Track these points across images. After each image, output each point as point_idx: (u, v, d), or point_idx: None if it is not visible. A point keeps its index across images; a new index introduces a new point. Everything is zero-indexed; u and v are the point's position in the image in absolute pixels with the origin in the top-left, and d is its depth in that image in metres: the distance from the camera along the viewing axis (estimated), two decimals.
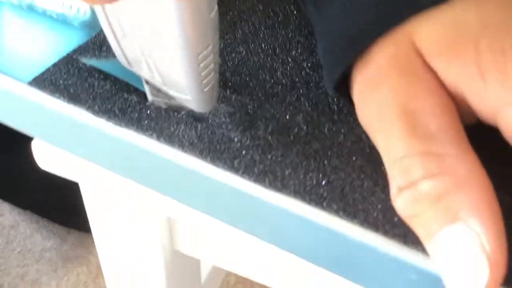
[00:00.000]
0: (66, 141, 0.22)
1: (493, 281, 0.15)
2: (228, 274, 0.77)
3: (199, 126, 0.20)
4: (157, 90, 0.21)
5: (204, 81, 0.18)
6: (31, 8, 0.25)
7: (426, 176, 0.16)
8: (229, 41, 0.24)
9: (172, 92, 0.20)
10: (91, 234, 0.88)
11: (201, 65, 0.18)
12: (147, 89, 0.21)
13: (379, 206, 0.18)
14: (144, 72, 0.20)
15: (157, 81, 0.19)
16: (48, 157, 0.24)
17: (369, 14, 0.18)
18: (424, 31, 0.17)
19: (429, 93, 0.17)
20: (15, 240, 0.82)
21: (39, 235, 0.83)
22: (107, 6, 0.17)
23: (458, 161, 0.16)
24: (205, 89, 0.19)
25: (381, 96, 0.18)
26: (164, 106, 0.21)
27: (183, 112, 0.21)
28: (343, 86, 0.20)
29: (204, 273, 0.50)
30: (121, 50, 0.19)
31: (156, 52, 0.18)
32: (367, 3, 0.18)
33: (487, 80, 0.16)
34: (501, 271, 0.15)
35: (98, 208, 0.28)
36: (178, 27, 0.16)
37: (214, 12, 0.17)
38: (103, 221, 0.29)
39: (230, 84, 0.22)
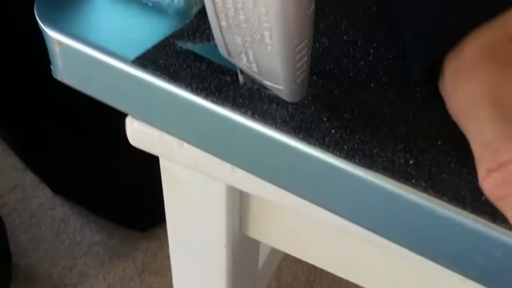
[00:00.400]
0: (162, 118, 0.24)
1: None
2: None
3: (289, 106, 0.22)
4: (251, 80, 0.22)
5: (298, 73, 0.20)
6: None
7: None
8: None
9: (266, 82, 0.21)
10: (138, 231, 0.90)
11: (297, 57, 0.19)
12: (240, 75, 0.22)
13: (467, 186, 0.19)
14: (242, 62, 0.21)
15: (254, 71, 0.21)
16: (139, 135, 0.26)
17: (466, 5, 0.19)
18: None
19: None
20: (65, 233, 0.85)
21: (88, 229, 0.86)
22: None
23: None
24: (298, 80, 0.20)
25: (473, 83, 0.19)
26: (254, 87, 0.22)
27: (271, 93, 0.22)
28: (430, 74, 0.21)
29: (262, 257, 0.51)
30: (224, 41, 0.20)
31: (257, 44, 0.19)
32: None
33: None
34: None
35: (174, 187, 0.30)
36: (281, 19, 0.17)
37: (312, 8, 0.18)
38: (177, 199, 0.30)
39: (315, 71, 0.23)
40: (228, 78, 0.23)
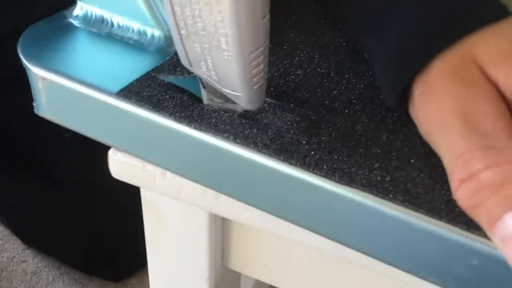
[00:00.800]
0: (145, 148, 0.24)
1: None
2: None
3: (269, 131, 0.23)
4: (213, 94, 0.23)
5: (254, 79, 0.21)
6: (109, 35, 0.28)
7: (487, 167, 0.18)
8: (287, 65, 0.27)
9: (225, 90, 0.22)
10: (113, 281, 0.88)
11: (253, 63, 0.20)
12: (203, 94, 0.23)
13: (441, 199, 0.20)
14: (202, 71, 0.22)
15: (213, 79, 0.22)
16: (122, 167, 0.26)
17: (431, 31, 0.21)
18: (484, 45, 0.20)
19: (487, 99, 0.19)
20: (37, 286, 0.82)
21: (61, 282, 0.83)
22: (175, 3, 0.20)
23: None
24: (255, 87, 0.21)
25: (442, 101, 0.20)
26: (217, 108, 0.23)
27: (235, 115, 0.23)
28: (400, 100, 0.22)
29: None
30: (184, 50, 0.22)
31: (214, 50, 0.20)
32: (428, 21, 0.21)
33: None
34: None
35: (155, 219, 0.30)
36: (235, 25, 0.19)
37: (267, 18, 0.19)
38: (158, 232, 0.30)
39: (292, 99, 0.24)
40: (210, 107, 0.24)
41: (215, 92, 0.23)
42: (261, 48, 0.20)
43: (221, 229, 0.30)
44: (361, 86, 0.26)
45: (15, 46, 0.27)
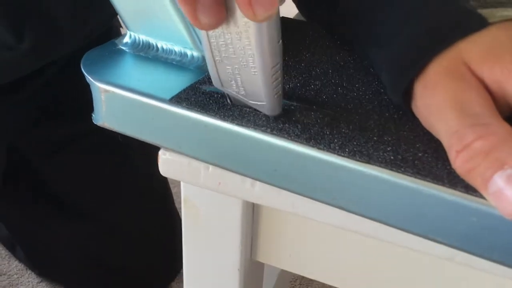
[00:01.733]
0: (193, 146, 0.29)
1: None
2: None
3: (298, 125, 0.27)
4: (238, 103, 0.29)
5: (275, 89, 0.27)
6: (155, 58, 0.33)
7: (477, 138, 0.23)
8: (307, 78, 0.32)
9: (251, 102, 0.28)
10: None
11: (273, 76, 0.26)
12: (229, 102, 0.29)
13: (443, 171, 0.25)
14: (232, 89, 0.28)
15: (241, 95, 0.28)
16: (170, 165, 0.31)
17: (426, 40, 0.26)
18: (470, 48, 0.25)
19: (474, 89, 0.25)
20: None
21: None
22: (212, 36, 0.25)
23: (498, 126, 0.23)
24: (276, 96, 0.27)
25: (438, 94, 0.25)
26: None
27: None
28: (404, 98, 0.27)
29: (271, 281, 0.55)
30: (217, 73, 0.27)
31: (243, 69, 0.26)
32: (425, 33, 0.26)
33: None
34: None
35: (194, 217, 0.34)
36: (260, 47, 0.25)
37: (280, 42, 0.25)
38: (195, 228, 0.35)
39: (314, 101, 0.29)
40: (247, 109, 0.28)
41: (240, 104, 0.29)
42: (278, 65, 0.26)
43: (251, 223, 0.34)
44: (370, 92, 0.31)
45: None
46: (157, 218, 0.83)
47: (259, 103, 0.27)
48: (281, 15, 0.40)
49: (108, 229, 0.81)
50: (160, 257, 0.84)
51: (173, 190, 0.87)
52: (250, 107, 0.28)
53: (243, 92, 0.27)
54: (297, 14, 0.45)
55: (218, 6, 0.23)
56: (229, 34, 0.25)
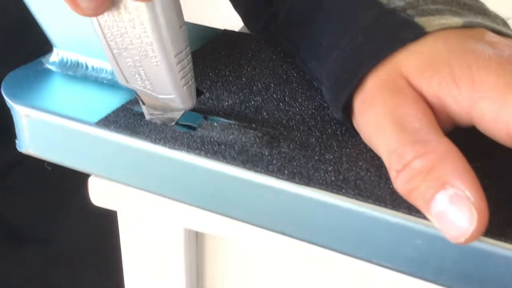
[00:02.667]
0: (124, 172, 0.27)
1: (480, 223, 0.20)
2: None
3: (235, 146, 0.26)
4: (152, 109, 0.27)
5: (183, 80, 0.25)
6: (85, 77, 0.31)
7: (416, 157, 0.22)
8: (247, 93, 0.30)
9: (161, 96, 0.26)
10: None
11: (178, 65, 0.24)
12: (144, 110, 0.27)
13: (385, 191, 0.23)
14: (138, 84, 0.26)
15: (149, 89, 0.26)
16: (102, 193, 0.29)
17: (364, 52, 0.25)
18: (408, 60, 0.24)
19: (412, 102, 0.23)
20: None
21: None
22: (105, 27, 0.23)
23: (438, 143, 0.22)
24: (185, 87, 0.25)
25: (376, 109, 0.24)
26: (159, 122, 0.27)
27: (173, 123, 0.27)
28: (345, 114, 0.26)
29: None
30: (119, 67, 0.25)
31: (144, 60, 0.24)
32: (361, 45, 0.25)
33: (460, 86, 0.23)
34: (485, 214, 0.20)
35: (132, 243, 0.32)
36: (156, 32, 0.23)
37: (184, 28, 0.24)
38: (135, 255, 0.32)
39: (254, 119, 0.28)
40: (181, 130, 0.27)
41: (154, 106, 0.27)
42: (183, 52, 0.24)
43: (195, 250, 0.32)
44: (312, 107, 0.29)
45: None
46: (108, 238, 0.80)
47: (168, 96, 0.26)
48: (225, 28, 0.38)
49: (61, 252, 0.77)
50: (114, 278, 0.81)
51: None
52: (160, 110, 0.27)
53: (149, 87, 0.26)
54: (242, 27, 0.44)
55: None
56: (122, 22, 0.23)
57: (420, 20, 0.25)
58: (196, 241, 0.32)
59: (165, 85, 0.25)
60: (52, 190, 0.78)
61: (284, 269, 0.31)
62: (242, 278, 0.33)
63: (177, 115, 0.27)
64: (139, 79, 0.25)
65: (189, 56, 0.24)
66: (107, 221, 0.87)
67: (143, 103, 0.27)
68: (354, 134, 0.27)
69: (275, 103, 0.30)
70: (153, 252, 0.31)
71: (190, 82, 0.25)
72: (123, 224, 0.31)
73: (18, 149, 0.29)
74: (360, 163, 0.25)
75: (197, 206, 0.26)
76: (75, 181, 0.82)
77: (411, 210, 0.22)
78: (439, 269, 0.22)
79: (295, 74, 0.33)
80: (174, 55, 0.24)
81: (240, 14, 0.42)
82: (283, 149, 0.26)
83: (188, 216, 0.28)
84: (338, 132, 0.27)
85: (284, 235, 0.25)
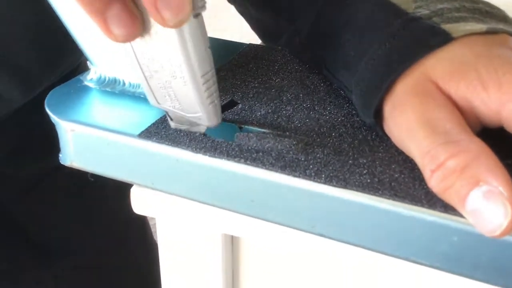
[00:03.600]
0: (166, 181, 0.28)
1: None
2: None
3: (272, 153, 0.27)
4: (180, 124, 0.28)
5: (209, 99, 0.26)
6: (122, 92, 0.32)
7: (449, 157, 0.23)
8: (278, 103, 0.32)
9: (189, 115, 0.27)
10: None
11: (204, 85, 0.26)
12: (172, 125, 0.29)
13: (420, 191, 0.24)
14: (168, 104, 0.27)
15: (178, 109, 0.27)
16: (143, 201, 0.30)
17: (393, 58, 0.26)
18: (436, 65, 0.25)
19: (442, 105, 0.24)
20: None
21: None
22: (137, 51, 0.25)
23: (470, 142, 0.23)
24: (210, 105, 0.26)
25: (407, 113, 0.25)
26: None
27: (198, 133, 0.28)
28: (376, 119, 0.27)
29: None
30: (151, 89, 0.27)
31: (173, 81, 0.26)
32: (390, 51, 0.26)
33: (488, 89, 0.24)
34: None
35: (171, 251, 0.33)
36: (184, 55, 0.24)
37: (209, 49, 0.25)
38: (173, 263, 0.33)
39: (287, 127, 0.29)
40: (219, 140, 0.28)
41: (181, 121, 0.28)
42: (209, 73, 0.26)
43: (231, 257, 0.33)
44: (342, 114, 0.31)
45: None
46: (137, 252, 0.81)
47: (195, 115, 0.27)
48: (250, 42, 0.40)
49: (89, 267, 0.78)
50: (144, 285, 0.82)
51: (151, 222, 0.85)
52: (187, 124, 0.28)
53: (178, 106, 0.27)
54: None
55: (129, 15, 0.23)
56: (153, 47, 0.24)
57: (446, 27, 0.26)
58: (232, 246, 0.33)
59: (193, 104, 0.26)
60: (81, 203, 0.79)
61: (317, 272, 0.32)
62: (276, 283, 0.34)
63: (202, 128, 0.28)
64: (168, 100, 0.27)
65: (215, 77, 0.26)
66: (136, 231, 0.88)
67: (171, 119, 0.28)
68: (385, 138, 0.28)
69: (306, 111, 0.31)
70: (191, 257, 0.33)
71: (215, 101, 0.27)
72: (162, 231, 0.32)
73: (61, 162, 0.31)
74: (393, 166, 0.26)
75: (237, 212, 0.28)
76: (105, 194, 0.83)
77: (447, 208, 0.23)
78: (475, 264, 0.23)
79: (322, 84, 0.34)
80: (201, 76, 0.25)
81: (259, 35, 0.43)
82: (318, 155, 0.27)
83: (224, 221, 0.29)
84: (369, 138, 0.28)
85: (322, 236, 0.26)
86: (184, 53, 0.24)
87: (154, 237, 0.86)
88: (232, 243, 0.33)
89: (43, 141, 0.77)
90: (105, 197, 0.79)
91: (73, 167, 0.30)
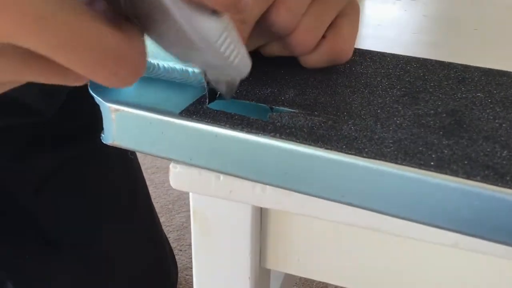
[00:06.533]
0: (204, 157, 0.30)
1: None
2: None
3: (304, 129, 0.29)
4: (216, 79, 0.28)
5: (231, 57, 0.24)
6: (157, 77, 0.35)
7: None
8: (304, 86, 0.34)
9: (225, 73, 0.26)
10: None
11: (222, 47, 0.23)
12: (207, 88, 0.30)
13: (447, 162, 0.26)
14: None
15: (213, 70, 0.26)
16: (181, 177, 0.32)
17: None
18: None
19: None
20: None
21: None
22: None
23: None
24: (236, 59, 0.24)
25: None
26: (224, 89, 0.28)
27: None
28: None
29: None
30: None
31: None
32: None
33: None
34: None
35: (204, 228, 0.35)
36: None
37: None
38: (205, 240, 0.36)
39: (315, 108, 0.31)
40: (255, 117, 0.30)
41: (219, 79, 0.28)
42: (223, 36, 0.23)
43: (259, 230, 0.35)
44: (361, 96, 0.33)
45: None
46: (145, 238, 0.84)
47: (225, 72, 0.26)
48: None
49: (100, 257, 0.80)
50: (154, 276, 0.85)
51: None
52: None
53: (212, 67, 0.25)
54: None
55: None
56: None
57: None
58: (260, 221, 0.35)
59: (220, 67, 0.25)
60: (92, 196, 0.81)
61: (346, 244, 0.34)
62: (304, 255, 0.36)
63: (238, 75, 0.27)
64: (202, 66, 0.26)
65: (233, 32, 0.24)
66: (146, 225, 0.91)
67: (207, 84, 0.30)
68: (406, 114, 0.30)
69: (331, 93, 0.33)
70: (222, 229, 0.35)
71: (240, 55, 0.25)
72: (196, 205, 0.34)
73: (103, 141, 0.33)
74: (417, 140, 0.28)
75: (271, 185, 0.30)
76: (116, 186, 0.85)
77: (469, 175, 0.26)
78: (497, 227, 0.25)
79: (341, 69, 0.36)
80: (214, 42, 0.23)
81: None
82: (345, 132, 0.29)
83: (260, 194, 0.31)
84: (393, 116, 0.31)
85: (350, 205, 0.28)
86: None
87: (163, 229, 0.88)
88: (261, 218, 0.35)
89: (56, 134, 0.79)
90: (111, 193, 0.82)
91: (115, 145, 0.32)
